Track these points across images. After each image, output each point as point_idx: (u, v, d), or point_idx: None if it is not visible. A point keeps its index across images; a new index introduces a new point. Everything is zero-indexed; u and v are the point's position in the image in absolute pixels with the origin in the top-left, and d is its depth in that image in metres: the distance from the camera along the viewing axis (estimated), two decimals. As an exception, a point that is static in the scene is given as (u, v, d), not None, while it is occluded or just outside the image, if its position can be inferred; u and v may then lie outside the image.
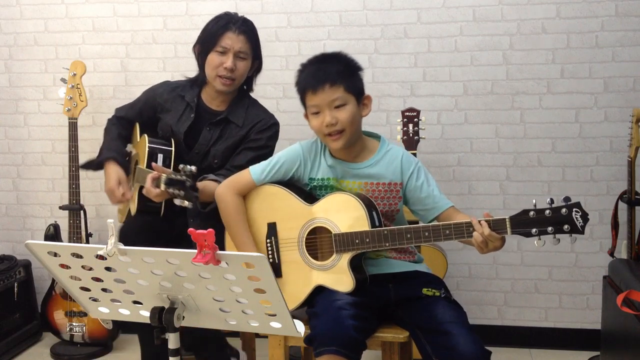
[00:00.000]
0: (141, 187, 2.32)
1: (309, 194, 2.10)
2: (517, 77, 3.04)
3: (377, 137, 2.14)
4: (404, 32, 3.10)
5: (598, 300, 2.79)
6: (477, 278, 3.17)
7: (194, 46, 2.54)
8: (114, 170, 2.49)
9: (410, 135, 2.82)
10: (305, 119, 2.09)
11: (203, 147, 2.47)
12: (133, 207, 2.47)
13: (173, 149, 2.45)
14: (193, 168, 2.00)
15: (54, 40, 3.35)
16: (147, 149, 2.41)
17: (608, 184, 3.02)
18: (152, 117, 2.57)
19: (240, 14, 3.19)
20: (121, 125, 2.62)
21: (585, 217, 1.72)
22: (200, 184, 2.22)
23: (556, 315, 3.13)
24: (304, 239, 2.02)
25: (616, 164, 3.00)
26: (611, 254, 2.83)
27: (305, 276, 2.00)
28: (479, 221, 1.80)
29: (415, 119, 2.82)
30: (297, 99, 3.14)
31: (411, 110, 2.83)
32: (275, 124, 2.53)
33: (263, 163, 2.13)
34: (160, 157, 2.42)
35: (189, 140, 2.49)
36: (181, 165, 2.02)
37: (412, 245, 2.13)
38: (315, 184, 2.09)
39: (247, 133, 2.46)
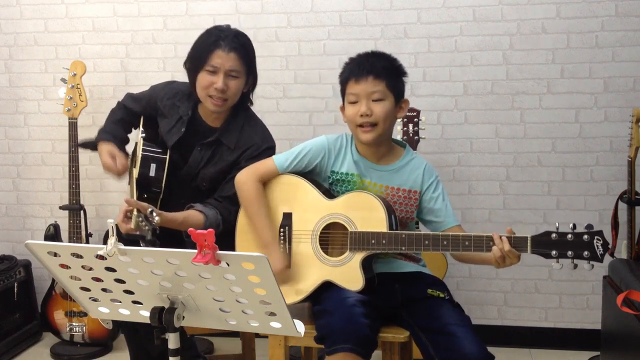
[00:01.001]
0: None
1: (328, 189, 2.11)
2: (517, 77, 3.04)
3: (402, 144, 2.17)
4: (404, 32, 3.10)
5: (598, 300, 2.79)
6: (477, 278, 3.17)
7: (185, 62, 2.40)
8: (104, 147, 2.44)
9: (410, 135, 2.82)
10: (340, 111, 2.13)
11: (192, 169, 2.39)
12: None
13: (167, 157, 2.39)
14: (157, 219, 1.95)
15: (54, 40, 3.35)
16: (140, 156, 2.38)
17: (608, 184, 3.02)
18: (153, 116, 2.52)
19: (240, 14, 3.18)
20: (126, 112, 2.58)
21: (606, 245, 1.75)
22: (182, 214, 2.22)
23: (556, 315, 3.13)
24: (319, 233, 2.02)
25: (616, 164, 3.00)
26: (611, 254, 2.83)
27: (314, 270, 2.00)
28: (500, 236, 1.82)
29: (415, 119, 2.83)
30: (297, 98, 3.19)
31: (411, 110, 2.83)
32: (268, 149, 2.35)
33: (287, 152, 2.14)
34: (153, 166, 2.37)
35: (180, 153, 2.41)
36: (150, 210, 1.97)
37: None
38: (337, 177, 2.09)
39: (238, 158, 2.33)
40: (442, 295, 2.00)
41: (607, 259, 2.75)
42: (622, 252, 2.80)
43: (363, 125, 2.02)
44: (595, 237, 1.75)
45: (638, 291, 2.10)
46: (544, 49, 3.00)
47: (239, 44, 2.29)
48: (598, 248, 1.75)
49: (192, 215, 2.23)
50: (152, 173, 2.36)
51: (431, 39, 3.08)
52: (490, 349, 1.79)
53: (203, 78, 2.28)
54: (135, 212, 2.00)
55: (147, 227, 1.93)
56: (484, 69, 3.06)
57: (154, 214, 1.97)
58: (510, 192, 3.10)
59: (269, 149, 2.36)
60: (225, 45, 2.26)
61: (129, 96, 2.62)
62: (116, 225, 1.41)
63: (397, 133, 2.83)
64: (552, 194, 3.07)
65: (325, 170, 2.11)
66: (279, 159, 2.13)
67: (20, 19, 3.36)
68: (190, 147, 2.40)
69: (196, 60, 2.30)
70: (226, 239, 2.09)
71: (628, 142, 2.74)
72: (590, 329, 3.08)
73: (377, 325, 1.91)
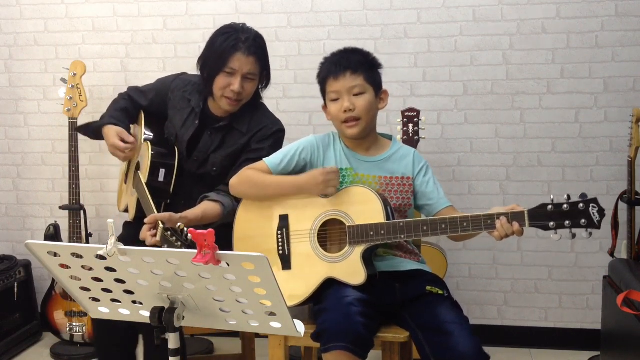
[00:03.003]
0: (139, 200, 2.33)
1: None
2: (517, 77, 3.04)
3: (389, 137, 2.20)
4: (404, 32, 3.10)
5: (598, 300, 2.79)
6: (477, 278, 3.17)
7: (199, 62, 2.37)
8: (112, 129, 2.42)
9: (410, 135, 2.82)
10: (323, 110, 2.15)
11: (202, 154, 2.39)
12: (132, 212, 2.45)
13: (176, 162, 2.39)
14: (190, 237, 1.94)
15: (54, 40, 3.35)
16: (149, 162, 2.35)
17: (608, 184, 3.02)
18: (161, 110, 2.49)
19: (240, 14, 3.18)
20: (130, 103, 2.55)
21: (602, 212, 1.77)
22: (200, 209, 2.21)
23: (556, 315, 3.14)
24: (317, 231, 2.02)
25: (616, 164, 3.00)
26: (611, 254, 2.83)
27: (315, 268, 2.00)
28: (498, 217, 1.83)
29: (415, 119, 2.83)
30: (297, 98, 3.19)
31: (411, 110, 2.84)
32: (279, 131, 2.41)
33: (278, 152, 2.16)
34: (162, 172, 2.36)
35: (192, 147, 2.41)
36: (179, 225, 1.96)
37: (414, 246, 2.14)
38: None
39: (249, 141, 2.36)
40: (441, 292, 2.00)
41: (607, 258, 2.78)
42: (622, 252, 2.80)
43: (348, 121, 2.05)
44: (591, 204, 1.77)
45: (638, 291, 2.10)
46: (544, 49, 3.00)
47: (258, 47, 2.31)
48: (594, 215, 1.76)
49: (210, 208, 2.23)
50: (161, 178, 2.35)
51: (431, 39, 3.08)
52: (490, 349, 1.80)
53: (220, 79, 2.28)
54: (160, 225, 1.99)
55: (178, 243, 1.90)
56: (484, 69, 3.06)
57: (185, 230, 1.93)
58: (510, 192, 3.10)
59: (280, 132, 2.41)
60: (246, 49, 2.26)
61: (135, 88, 2.59)
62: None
63: (397, 133, 2.84)
64: (552, 194, 3.06)
65: (317, 168, 2.11)
66: (270, 160, 2.13)
67: (20, 19, 3.36)
68: (199, 139, 2.40)
69: (215, 62, 2.28)
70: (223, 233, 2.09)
71: (628, 142, 2.74)
72: (590, 329, 3.08)
73: (376, 325, 1.91)
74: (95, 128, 2.51)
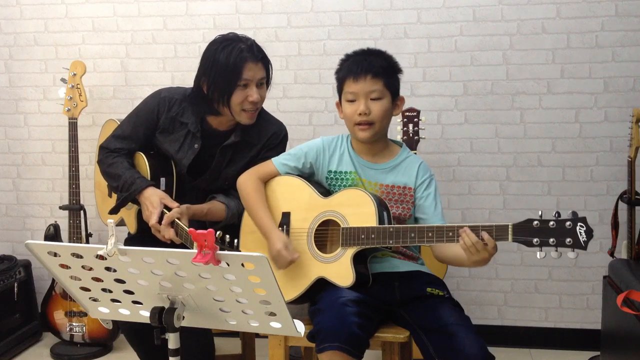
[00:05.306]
0: (139, 210, 2.31)
1: (327, 188, 2.13)
2: (517, 77, 3.04)
3: (399, 143, 2.19)
4: (404, 32, 3.10)
5: (598, 300, 2.80)
6: (477, 278, 3.17)
7: (202, 83, 2.25)
8: (155, 193, 2.21)
9: (410, 135, 2.82)
10: (336, 107, 2.15)
11: (215, 172, 2.35)
12: (132, 226, 2.43)
13: (174, 169, 2.36)
14: (235, 241, 1.87)
15: (54, 40, 3.35)
16: (149, 172, 2.31)
17: (608, 184, 3.02)
18: (152, 137, 2.40)
19: (240, 14, 3.18)
20: (125, 154, 2.36)
21: (589, 233, 1.69)
22: (207, 205, 2.25)
23: (556, 315, 3.13)
24: (314, 231, 2.03)
25: (616, 164, 3.00)
26: (611, 254, 2.83)
27: (308, 267, 2.01)
28: (464, 229, 1.80)
29: (415, 119, 2.83)
30: (297, 98, 3.19)
31: (411, 110, 2.84)
32: (286, 134, 2.41)
33: (285, 153, 2.19)
34: (162, 181, 2.32)
35: (197, 168, 2.35)
36: (219, 233, 1.84)
37: (414, 248, 2.14)
38: (334, 176, 2.11)
39: (259, 151, 2.34)
40: (441, 293, 2.00)
41: (608, 258, 2.78)
42: (622, 252, 2.80)
43: (361, 124, 2.04)
44: (579, 223, 1.68)
45: (638, 291, 2.10)
46: (544, 49, 3.00)
47: (261, 51, 2.27)
48: (581, 235, 1.68)
49: (215, 206, 2.27)
50: (162, 188, 2.31)
51: (431, 39, 3.08)
52: (490, 349, 1.79)
53: (236, 95, 2.21)
54: (183, 226, 2.03)
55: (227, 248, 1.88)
56: (484, 69, 3.06)
57: (227, 237, 1.85)
58: (510, 192, 3.10)
59: (286, 135, 2.43)
60: (252, 56, 2.21)
61: (116, 138, 2.38)
62: (116, 225, 1.41)
63: (397, 133, 2.84)
64: (552, 194, 3.07)
65: (323, 171, 2.13)
66: (278, 160, 2.17)
67: (20, 19, 3.36)
68: (204, 159, 2.35)
69: (227, 78, 2.19)
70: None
71: (628, 142, 2.74)
72: (590, 329, 3.08)
73: (372, 325, 1.91)
74: (132, 195, 2.27)
